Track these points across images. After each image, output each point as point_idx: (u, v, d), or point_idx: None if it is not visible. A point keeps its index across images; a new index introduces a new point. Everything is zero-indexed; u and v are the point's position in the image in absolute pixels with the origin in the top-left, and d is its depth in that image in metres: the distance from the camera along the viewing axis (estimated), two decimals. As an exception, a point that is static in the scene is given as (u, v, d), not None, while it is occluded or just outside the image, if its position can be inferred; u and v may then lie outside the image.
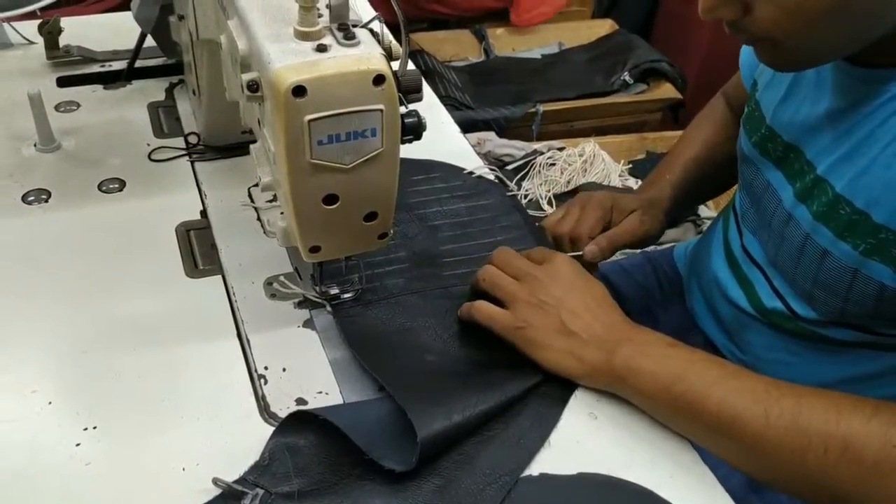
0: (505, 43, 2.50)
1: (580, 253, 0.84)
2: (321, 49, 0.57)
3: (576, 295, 0.71)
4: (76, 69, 1.10)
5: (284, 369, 0.70)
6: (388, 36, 0.62)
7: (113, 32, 1.16)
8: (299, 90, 0.55)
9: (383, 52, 0.58)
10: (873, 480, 0.57)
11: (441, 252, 0.84)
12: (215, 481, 0.60)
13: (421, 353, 0.71)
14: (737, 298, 0.89)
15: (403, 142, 0.64)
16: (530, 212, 1.79)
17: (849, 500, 0.58)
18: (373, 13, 0.63)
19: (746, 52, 0.93)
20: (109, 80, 1.09)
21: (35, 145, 0.95)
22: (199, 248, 0.83)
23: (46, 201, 0.88)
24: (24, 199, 0.87)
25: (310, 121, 0.56)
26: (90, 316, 0.74)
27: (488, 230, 0.88)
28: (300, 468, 0.61)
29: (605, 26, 2.55)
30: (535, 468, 0.64)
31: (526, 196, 1.83)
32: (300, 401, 0.68)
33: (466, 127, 1.86)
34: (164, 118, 1.03)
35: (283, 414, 0.66)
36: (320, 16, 0.59)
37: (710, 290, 0.96)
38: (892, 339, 0.75)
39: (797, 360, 0.83)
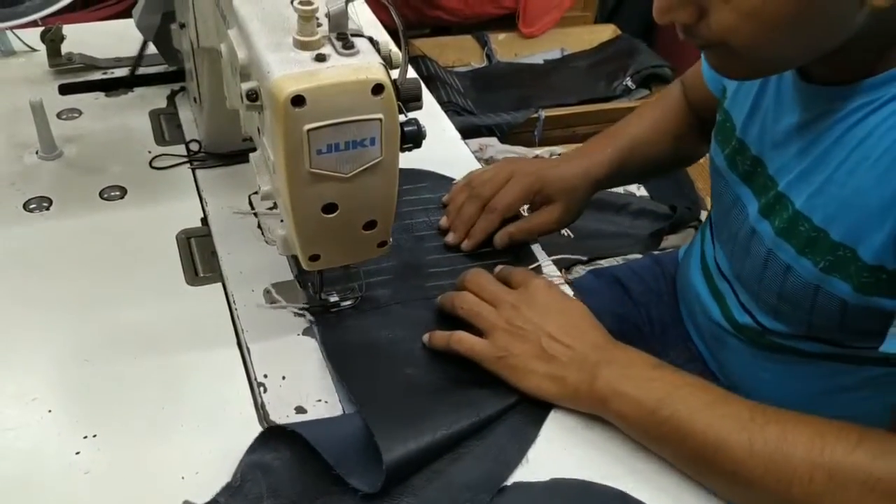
0: (507, 48, 2.51)
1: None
2: (320, 58, 0.57)
3: (554, 319, 0.71)
4: (78, 76, 1.11)
5: (284, 377, 0.70)
6: (389, 44, 0.62)
7: (115, 40, 1.17)
8: (298, 100, 0.55)
9: (382, 62, 0.59)
10: None
11: (427, 262, 0.83)
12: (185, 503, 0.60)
13: (401, 366, 0.71)
14: (712, 312, 0.89)
15: (403, 150, 0.64)
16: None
17: None
18: (374, 21, 0.63)
19: None
20: (111, 87, 1.09)
21: (37, 153, 0.95)
22: (199, 255, 0.83)
23: (48, 209, 0.88)
24: (25, 206, 0.88)
25: (309, 130, 0.57)
26: (91, 323, 0.74)
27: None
28: (273, 489, 0.60)
29: (607, 31, 2.56)
30: (509, 478, 0.63)
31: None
32: (299, 409, 0.68)
33: (468, 132, 1.86)
34: (165, 125, 1.03)
35: (282, 422, 0.66)
36: (319, 25, 0.59)
37: (690, 303, 0.96)
38: (863, 351, 0.74)
39: (770, 375, 0.84)
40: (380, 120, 0.58)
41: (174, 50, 1.03)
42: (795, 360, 0.80)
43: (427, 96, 0.85)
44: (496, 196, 0.86)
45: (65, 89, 1.08)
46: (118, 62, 1.13)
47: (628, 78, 2.30)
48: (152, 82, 1.11)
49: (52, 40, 1.09)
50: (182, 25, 0.92)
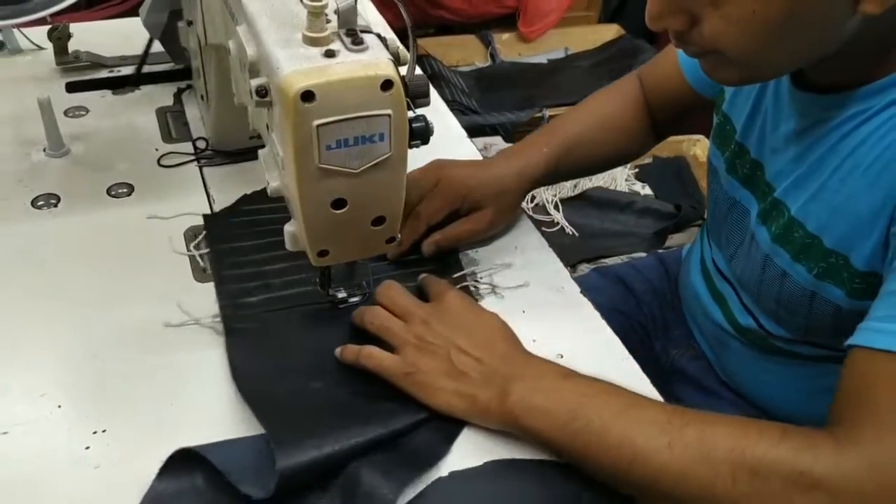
0: (511, 48, 2.51)
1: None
2: (329, 54, 0.57)
3: (465, 333, 0.69)
4: (85, 74, 1.11)
5: (292, 373, 0.70)
6: (395, 41, 0.62)
7: (121, 38, 1.17)
8: (308, 95, 0.55)
9: (391, 57, 0.59)
10: None
11: None
12: None
13: (308, 380, 0.69)
14: (713, 314, 0.89)
15: (411, 146, 0.64)
16: (537, 216, 1.80)
17: None
18: (380, 20, 0.63)
19: None
20: (118, 85, 1.10)
21: (44, 150, 0.96)
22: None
23: (56, 206, 0.88)
24: (33, 203, 0.88)
25: (318, 126, 0.57)
26: (99, 320, 0.74)
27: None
28: None
29: (611, 31, 2.55)
30: (444, 468, 0.63)
31: (532, 200, 1.83)
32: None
33: (472, 132, 1.86)
34: (172, 123, 1.03)
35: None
36: (328, 21, 0.59)
37: (692, 304, 0.96)
38: None
39: (772, 376, 0.84)
40: (389, 116, 0.58)
41: (181, 48, 1.03)
42: (796, 362, 0.80)
43: (432, 94, 0.85)
44: (422, 202, 0.84)
45: (72, 87, 1.08)
46: (124, 60, 1.13)
47: (632, 77, 2.29)
48: (159, 80, 1.11)
49: (59, 38, 1.09)
50: (189, 23, 0.92)
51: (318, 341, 0.73)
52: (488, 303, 0.80)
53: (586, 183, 1.86)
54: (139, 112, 1.05)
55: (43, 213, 0.87)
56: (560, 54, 2.53)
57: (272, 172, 0.66)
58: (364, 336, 0.72)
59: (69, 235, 0.84)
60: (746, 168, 0.79)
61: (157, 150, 0.98)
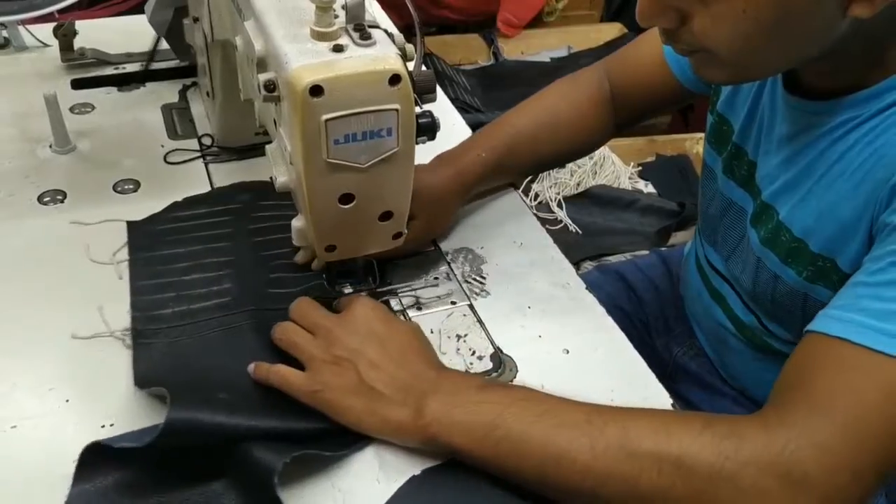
0: (514, 47, 2.51)
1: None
2: (338, 49, 0.58)
3: (375, 345, 0.66)
4: (90, 71, 1.11)
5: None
6: (402, 38, 0.63)
7: (126, 35, 1.17)
8: (316, 90, 0.56)
9: (399, 52, 0.59)
10: (710, 495, 0.54)
11: (269, 282, 0.77)
12: None
13: (215, 391, 0.65)
14: (714, 312, 0.89)
15: (417, 142, 0.64)
16: (540, 214, 1.81)
17: None
18: (385, 18, 0.63)
19: None
20: (123, 82, 1.10)
21: (50, 146, 0.96)
22: (213, 248, 0.83)
23: (62, 202, 0.88)
24: (39, 199, 0.88)
25: (326, 120, 0.57)
26: (106, 314, 0.75)
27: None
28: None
29: (614, 30, 2.56)
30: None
31: (536, 198, 1.84)
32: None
33: (476, 129, 1.86)
34: (177, 120, 1.04)
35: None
36: (336, 17, 0.59)
37: (693, 302, 0.96)
38: None
39: (773, 375, 0.83)
40: (396, 110, 0.59)
41: (186, 45, 1.03)
42: None
43: (437, 92, 0.85)
44: None
45: (77, 84, 1.09)
46: (129, 57, 1.14)
47: (635, 76, 2.30)
48: (164, 77, 1.11)
49: (65, 35, 1.09)
50: (195, 19, 0.92)
51: (231, 356, 0.69)
52: (483, 303, 0.80)
53: (589, 181, 1.87)
54: (144, 109, 1.05)
55: (49, 209, 0.87)
56: (563, 53, 2.53)
57: (280, 167, 0.66)
58: (281, 355, 0.68)
59: (76, 231, 0.84)
60: (744, 170, 0.79)
61: (162, 146, 0.98)
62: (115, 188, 0.91)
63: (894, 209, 0.60)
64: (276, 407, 0.64)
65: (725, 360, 0.92)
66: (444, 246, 0.86)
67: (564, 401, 0.61)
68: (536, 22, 2.56)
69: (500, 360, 0.73)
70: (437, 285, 0.81)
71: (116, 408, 0.66)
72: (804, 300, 0.71)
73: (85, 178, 0.92)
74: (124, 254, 0.81)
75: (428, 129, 0.64)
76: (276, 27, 0.61)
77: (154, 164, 0.95)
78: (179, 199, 0.88)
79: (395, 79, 0.57)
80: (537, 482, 0.59)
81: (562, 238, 1.73)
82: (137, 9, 1.03)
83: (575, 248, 1.69)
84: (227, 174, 0.94)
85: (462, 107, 2.10)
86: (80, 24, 1.12)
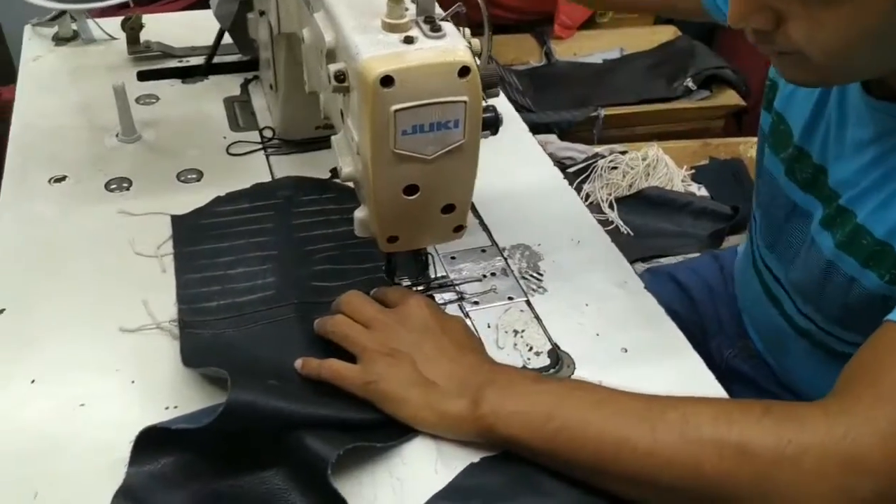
0: (566, 47, 2.50)
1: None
2: (408, 41, 0.58)
3: (431, 339, 0.66)
4: (155, 64, 1.14)
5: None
6: (468, 33, 0.63)
7: (190, 30, 1.20)
8: (387, 80, 0.56)
9: (468, 45, 0.59)
10: (771, 478, 0.54)
11: (313, 273, 0.78)
12: None
13: (266, 379, 0.65)
14: (771, 314, 0.87)
15: (481, 136, 0.64)
16: (592, 214, 1.79)
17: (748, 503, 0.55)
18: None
19: None
20: (187, 74, 1.12)
21: (117, 136, 0.98)
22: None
23: (128, 189, 0.90)
24: (106, 186, 0.91)
25: (395, 111, 0.57)
26: (171, 297, 0.76)
27: (369, 254, 0.78)
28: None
29: (667, 32, 2.53)
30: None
31: (587, 199, 1.83)
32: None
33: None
34: (239, 112, 1.05)
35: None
36: (406, 9, 0.60)
37: (748, 303, 0.94)
38: None
39: (833, 377, 0.82)
40: (465, 102, 0.59)
41: (248, 39, 1.05)
42: None
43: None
44: None
45: (143, 76, 1.11)
46: (193, 51, 1.16)
47: (689, 79, 2.27)
48: (226, 71, 1.14)
49: (133, 28, 1.12)
50: (262, 13, 0.94)
51: (277, 349, 0.70)
52: (541, 299, 0.80)
53: (642, 182, 1.85)
54: (207, 101, 1.07)
55: (116, 196, 0.89)
56: (615, 54, 2.51)
57: (345, 158, 0.67)
58: (327, 348, 0.69)
59: (141, 217, 0.86)
60: (808, 173, 0.78)
61: (224, 138, 1.00)
62: (178, 177, 0.93)
63: None
64: (328, 396, 0.64)
65: (783, 361, 0.90)
66: (501, 242, 0.86)
67: (620, 391, 0.61)
68: (589, 23, 2.54)
69: (557, 356, 0.73)
70: (492, 280, 0.81)
71: (179, 391, 0.68)
72: (883, 303, 0.70)
73: (150, 166, 0.94)
74: (168, 247, 0.82)
75: (491, 123, 0.65)
76: (347, 18, 0.61)
77: (216, 155, 0.97)
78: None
79: (464, 71, 0.58)
80: (596, 471, 0.59)
81: (613, 239, 1.71)
82: (200, 4, 1.05)
83: (626, 250, 1.66)
84: (288, 166, 0.95)
85: (513, 107, 2.09)
86: (146, 18, 1.15)
